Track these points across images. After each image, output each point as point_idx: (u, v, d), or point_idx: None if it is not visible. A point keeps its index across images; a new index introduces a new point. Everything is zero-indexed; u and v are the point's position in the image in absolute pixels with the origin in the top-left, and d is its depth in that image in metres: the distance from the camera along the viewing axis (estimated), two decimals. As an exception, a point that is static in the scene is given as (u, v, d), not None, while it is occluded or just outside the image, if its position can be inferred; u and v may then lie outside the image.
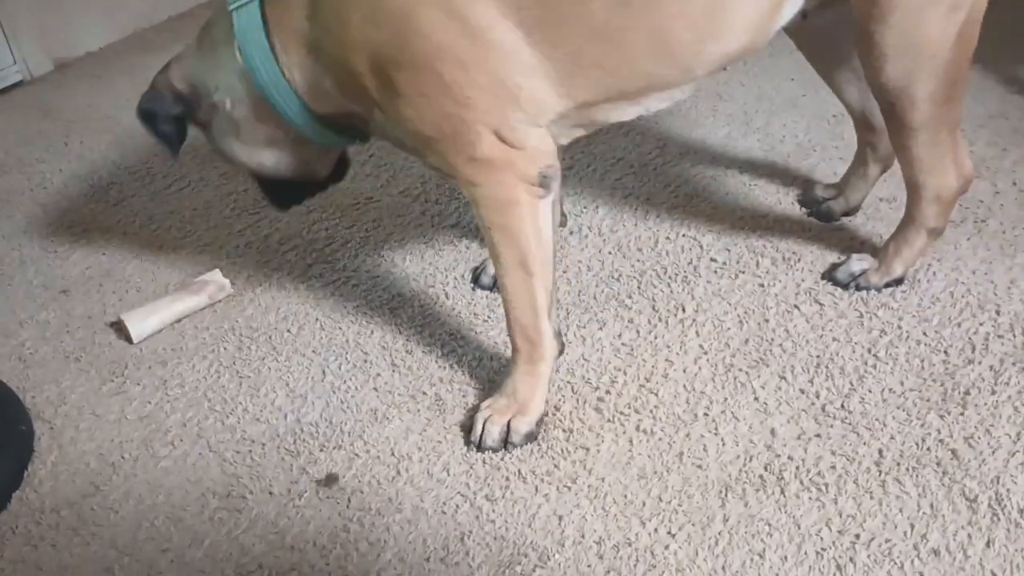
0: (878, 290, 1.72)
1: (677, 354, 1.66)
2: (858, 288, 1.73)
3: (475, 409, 1.57)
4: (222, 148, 1.67)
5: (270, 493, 1.50)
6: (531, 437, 1.52)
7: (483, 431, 1.52)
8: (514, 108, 1.38)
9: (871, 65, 1.50)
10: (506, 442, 1.51)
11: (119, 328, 1.88)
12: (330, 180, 1.77)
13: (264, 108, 1.52)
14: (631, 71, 1.41)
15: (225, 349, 1.81)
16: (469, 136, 1.38)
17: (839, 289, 1.74)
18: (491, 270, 1.81)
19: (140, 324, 1.85)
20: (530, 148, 1.41)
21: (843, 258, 1.78)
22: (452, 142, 1.40)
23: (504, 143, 1.39)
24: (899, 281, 1.72)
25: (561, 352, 1.65)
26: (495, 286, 1.76)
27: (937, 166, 1.58)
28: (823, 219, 1.93)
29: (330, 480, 1.51)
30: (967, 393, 1.51)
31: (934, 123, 1.53)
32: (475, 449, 1.52)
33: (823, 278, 1.78)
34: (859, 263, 1.75)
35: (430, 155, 1.45)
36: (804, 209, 1.96)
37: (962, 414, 1.47)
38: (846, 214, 1.91)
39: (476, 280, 1.89)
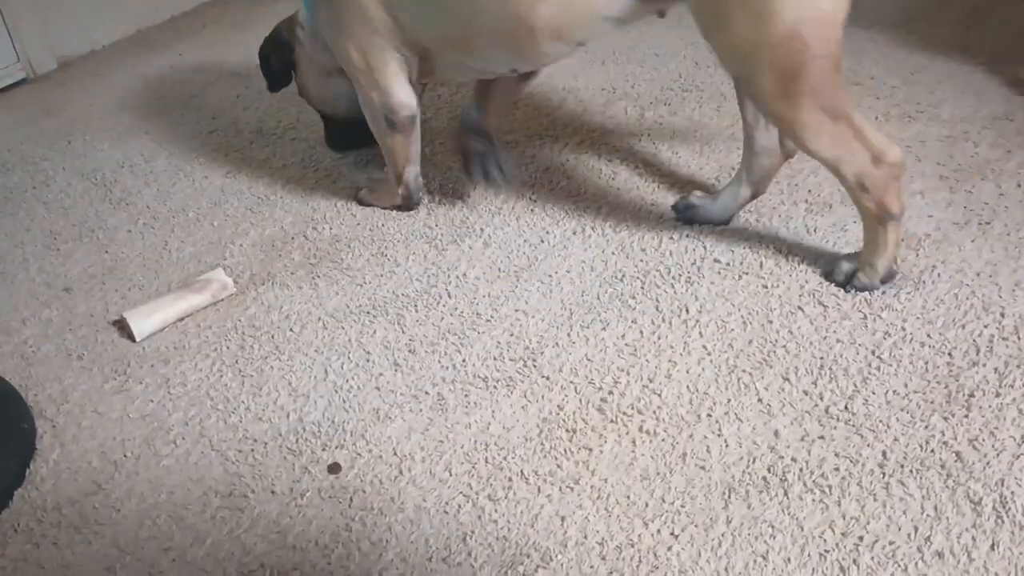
0: (876, 289, 1.72)
1: (680, 355, 1.65)
2: (856, 289, 1.73)
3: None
4: (300, 83, 2.20)
5: (272, 492, 1.50)
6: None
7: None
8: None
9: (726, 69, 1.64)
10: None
11: (121, 326, 1.88)
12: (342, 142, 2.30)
13: (318, 43, 2.03)
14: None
15: (228, 348, 1.81)
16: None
17: (843, 291, 1.74)
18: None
19: (142, 322, 1.85)
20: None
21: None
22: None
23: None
24: (891, 276, 1.72)
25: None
26: None
27: (842, 155, 1.59)
28: (686, 220, 1.97)
29: (334, 468, 1.52)
30: (971, 395, 1.50)
31: (811, 121, 1.55)
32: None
33: (825, 278, 1.78)
34: (849, 263, 1.75)
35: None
36: (673, 210, 2.00)
37: (966, 416, 1.47)
38: (710, 222, 1.94)
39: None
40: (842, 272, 1.75)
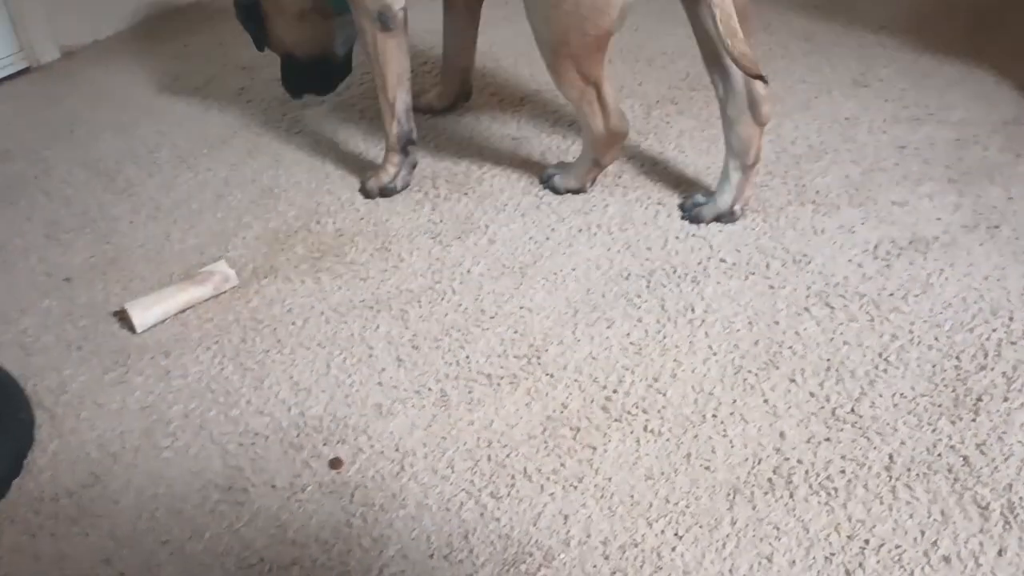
0: (560, 192, 2.07)
1: (686, 354, 1.64)
2: (546, 186, 2.09)
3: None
4: (270, 32, 2.29)
5: (272, 487, 1.49)
6: (385, 189, 2.15)
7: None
8: None
9: None
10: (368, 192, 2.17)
11: (122, 317, 1.86)
12: (341, 71, 2.40)
13: None
14: None
15: (229, 341, 1.79)
16: None
17: (850, 293, 1.73)
18: (551, 171, 2.15)
19: (144, 313, 1.83)
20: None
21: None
22: None
23: None
24: (576, 192, 2.07)
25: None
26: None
27: (585, 112, 1.91)
28: (693, 220, 1.99)
29: (335, 464, 1.51)
30: (979, 399, 1.49)
31: (567, 78, 1.87)
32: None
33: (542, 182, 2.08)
34: (557, 169, 2.10)
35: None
36: (680, 210, 2.04)
37: (974, 420, 1.46)
38: (719, 218, 1.97)
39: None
40: (547, 171, 2.11)
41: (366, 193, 2.17)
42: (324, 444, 1.55)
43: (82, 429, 1.63)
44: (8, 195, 2.35)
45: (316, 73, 2.36)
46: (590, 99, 1.89)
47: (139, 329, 1.82)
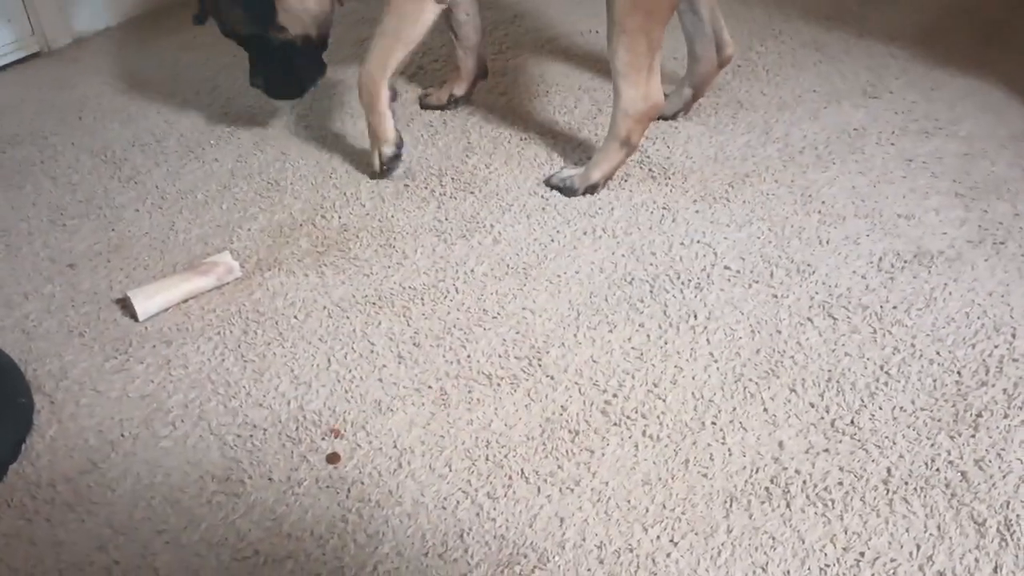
0: (579, 194, 2.06)
1: (687, 361, 1.64)
2: (563, 190, 2.08)
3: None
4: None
5: (269, 479, 1.49)
6: (397, 158, 2.16)
7: (373, 166, 2.18)
8: None
9: None
10: (384, 168, 2.16)
11: (125, 305, 1.86)
12: (317, 71, 2.24)
13: None
14: None
15: (231, 332, 1.79)
16: None
17: (853, 304, 1.73)
18: (563, 173, 2.14)
19: (146, 302, 1.83)
20: None
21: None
22: None
23: None
24: (595, 188, 2.07)
25: (394, 98, 2.13)
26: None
27: (634, 78, 1.94)
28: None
29: (333, 458, 1.51)
30: (979, 415, 1.49)
31: (636, 31, 1.89)
32: (376, 176, 2.17)
33: (545, 184, 2.10)
34: (569, 171, 2.10)
35: None
36: None
37: (973, 436, 1.45)
38: (664, 118, 2.24)
39: (423, 100, 2.44)
40: (560, 177, 2.10)
41: (384, 168, 2.16)
42: (322, 438, 1.55)
43: (81, 416, 1.64)
44: (14, 179, 2.35)
45: (318, 59, 2.21)
46: (641, 66, 1.93)
47: (141, 317, 1.83)
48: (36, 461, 1.55)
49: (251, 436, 1.57)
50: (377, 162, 2.16)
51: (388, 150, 2.14)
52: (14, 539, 1.42)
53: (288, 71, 2.20)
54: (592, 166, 2.08)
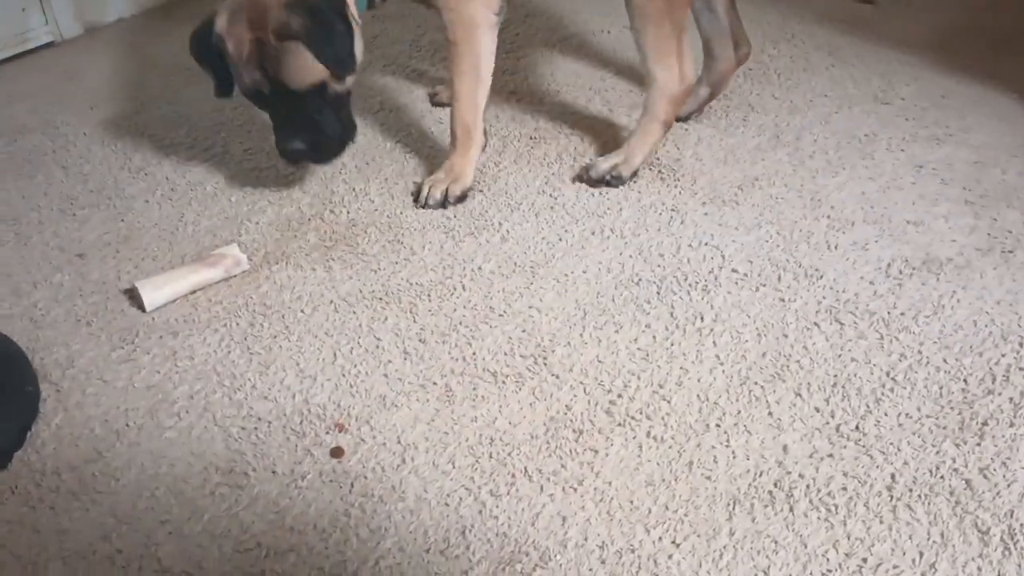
0: (627, 182, 2.08)
1: (693, 363, 1.64)
2: (611, 183, 2.08)
3: (422, 182, 2.11)
4: (342, 46, 1.96)
5: (273, 472, 1.49)
6: (463, 199, 2.08)
7: (427, 194, 2.07)
8: None
9: None
10: (445, 202, 2.07)
11: (132, 296, 1.87)
12: (354, 124, 2.09)
13: None
14: None
15: (237, 324, 1.80)
16: None
17: (860, 310, 1.72)
18: (601, 166, 2.12)
19: (154, 293, 1.84)
20: None
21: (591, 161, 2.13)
22: None
23: None
24: (637, 174, 2.09)
25: (484, 146, 2.13)
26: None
27: (666, 60, 1.98)
28: None
29: (336, 452, 1.51)
30: (985, 424, 1.48)
31: (660, 16, 1.93)
32: (420, 207, 2.08)
33: (576, 181, 2.11)
34: (606, 162, 2.10)
35: None
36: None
37: (978, 444, 1.45)
38: (678, 119, 2.20)
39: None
40: (599, 171, 2.09)
41: (445, 201, 2.08)
42: (327, 432, 1.55)
43: (87, 404, 1.64)
44: (26, 168, 2.36)
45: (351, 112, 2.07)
46: (670, 49, 1.97)
47: (148, 308, 1.83)
48: (41, 449, 1.56)
49: (255, 429, 1.57)
50: (439, 195, 2.06)
51: (458, 189, 2.08)
52: (18, 526, 1.43)
53: (332, 128, 2.00)
54: (633, 151, 2.09)
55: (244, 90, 1.97)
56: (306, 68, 1.89)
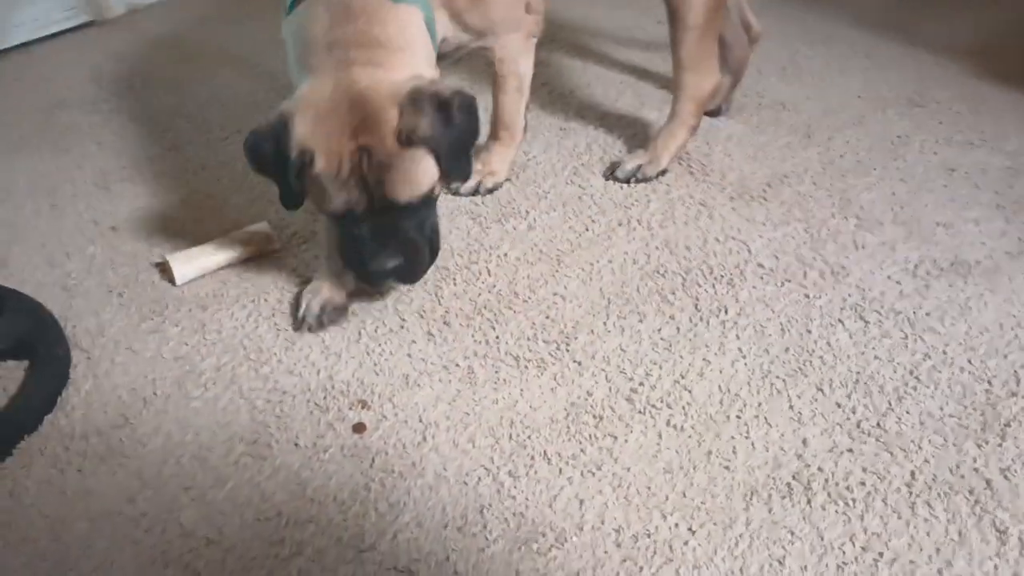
0: (652, 180, 2.09)
1: (715, 354, 1.64)
2: (638, 181, 2.09)
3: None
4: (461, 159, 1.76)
5: (296, 445, 1.51)
6: (495, 188, 2.10)
7: (461, 183, 2.05)
8: None
9: None
10: (476, 191, 2.08)
11: (163, 269, 1.90)
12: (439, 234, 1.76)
13: None
14: None
15: (265, 300, 1.82)
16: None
17: (885, 309, 1.72)
18: (628, 166, 2.12)
19: (184, 267, 1.86)
20: (539, 13, 1.98)
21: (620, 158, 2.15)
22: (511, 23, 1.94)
23: (531, 14, 1.96)
24: (664, 172, 2.10)
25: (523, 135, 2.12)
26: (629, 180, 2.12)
27: (700, 67, 2.00)
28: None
29: (359, 428, 1.53)
30: (1007, 425, 1.48)
31: (705, 26, 1.95)
32: (451, 194, 2.07)
33: (606, 179, 2.11)
34: (632, 161, 2.11)
35: (490, 35, 1.90)
36: None
37: (1000, 445, 1.44)
38: (709, 114, 2.24)
39: (611, 173, 2.15)
40: (625, 170, 2.10)
41: (477, 191, 2.08)
42: (349, 408, 1.57)
43: (116, 372, 1.67)
44: (62, 142, 2.40)
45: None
46: (704, 56, 2.00)
47: (179, 282, 1.86)
48: (71, 414, 1.59)
49: (280, 402, 1.59)
50: (473, 184, 2.07)
51: (491, 183, 2.09)
52: (46, 487, 1.46)
53: (426, 239, 1.65)
54: (659, 152, 2.10)
55: (332, 210, 1.57)
56: (423, 177, 1.57)
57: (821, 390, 1.56)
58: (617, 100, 2.44)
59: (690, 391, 1.57)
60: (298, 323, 1.74)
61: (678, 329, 1.70)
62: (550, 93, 2.47)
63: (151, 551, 1.35)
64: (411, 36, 1.64)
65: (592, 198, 2.06)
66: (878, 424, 1.49)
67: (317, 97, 1.53)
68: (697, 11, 1.94)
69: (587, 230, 1.97)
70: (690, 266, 1.85)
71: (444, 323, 1.75)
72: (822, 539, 1.32)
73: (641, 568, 1.30)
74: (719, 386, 1.58)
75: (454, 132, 1.56)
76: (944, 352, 1.62)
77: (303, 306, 1.75)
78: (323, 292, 1.76)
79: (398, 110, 1.51)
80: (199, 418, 1.57)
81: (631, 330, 1.70)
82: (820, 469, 1.42)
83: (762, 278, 1.81)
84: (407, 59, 1.60)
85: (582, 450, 1.48)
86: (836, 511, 1.36)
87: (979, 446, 1.44)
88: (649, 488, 1.41)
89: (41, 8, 2.94)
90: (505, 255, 1.91)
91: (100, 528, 1.39)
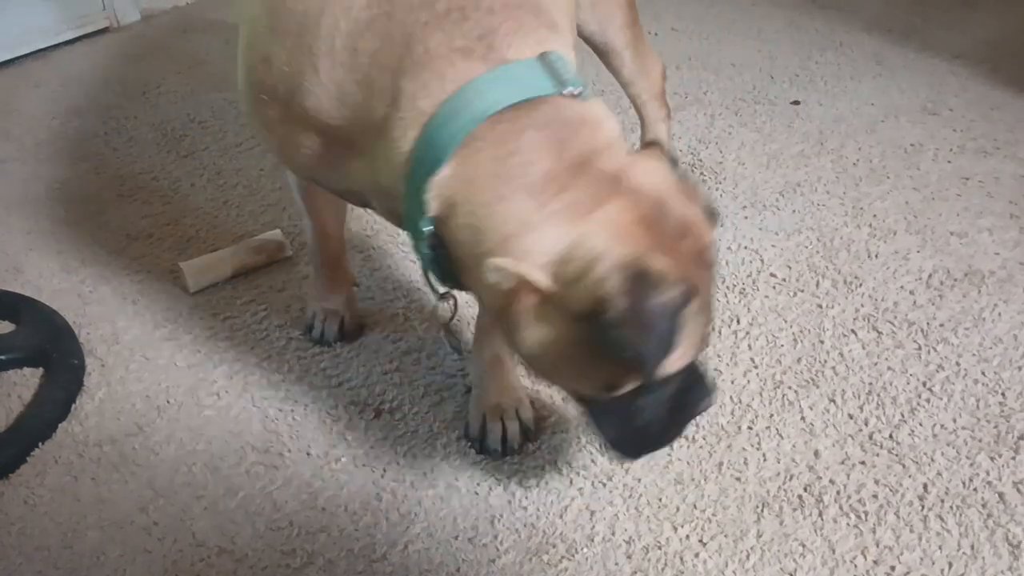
0: None
1: (727, 365, 1.64)
2: None
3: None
4: None
5: (307, 454, 1.52)
6: None
7: None
8: None
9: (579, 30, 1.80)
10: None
11: (177, 276, 1.91)
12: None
13: None
14: None
15: (277, 309, 1.83)
16: None
17: (898, 319, 1.71)
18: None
19: (198, 275, 1.87)
20: None
21: None
22: None
23: None
24: None
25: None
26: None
27: (644, 70, 1.97)
28: None
29: (378, 412, 1.56)
30: (1021, 438, 1.47)
31: (633, 37, 1.91)
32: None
33: None
34: None
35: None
36: None
37: (1013, 458, 1.44)
38: None
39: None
40: None
41: None
42: (360, 416, 1.57)
43: (130, 380, 1.68)
44: (77, 150, 2.41)
45: None
46: (643, 54, 1.96)
47: (192, 289, 1.87)
48: (84, 421, 1.60)
49: (292, 411, 1.60)
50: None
51: None
52: (59, 494, 1.47)
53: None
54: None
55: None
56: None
57: (833, 401, 1.56)
58: (629, 108, 2.43)
59: (701, 402, 1.57)
60: (315, 339, 1.74)
61: (690, 339, 1.70)
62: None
63: (163, 561, 1.36)
64: None
65: (604, 206, 2.06)
66: (890, 436, 1.49)
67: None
68: (623, 34, 1.89)
69: (599, 238, 1.97)
70: (702, 275, 1.84)
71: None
72: (833, 552, 1.32)
73: (652, 580, 1.30)
74: (731, 396, 1.58)
75: None
76: (957, 363, 1.61)
77: (317, 326, 1.74)
78: (336, 307, 1.75)
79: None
80: (211, 427, 1.58)
81: (642, 340, 1.70)
82: (832, 481, 1.42)
83: (775, 288, 1.80)
84: None
85: (593, 460, 1.48)
86: (848, 524, 1.36)
87: (992, 459, 1.44)
88: (660, 499, 1.41)
89: (55, 15, 2.96)
90: (517, 263, 1.91)
91: (113, 537, 1.40)
